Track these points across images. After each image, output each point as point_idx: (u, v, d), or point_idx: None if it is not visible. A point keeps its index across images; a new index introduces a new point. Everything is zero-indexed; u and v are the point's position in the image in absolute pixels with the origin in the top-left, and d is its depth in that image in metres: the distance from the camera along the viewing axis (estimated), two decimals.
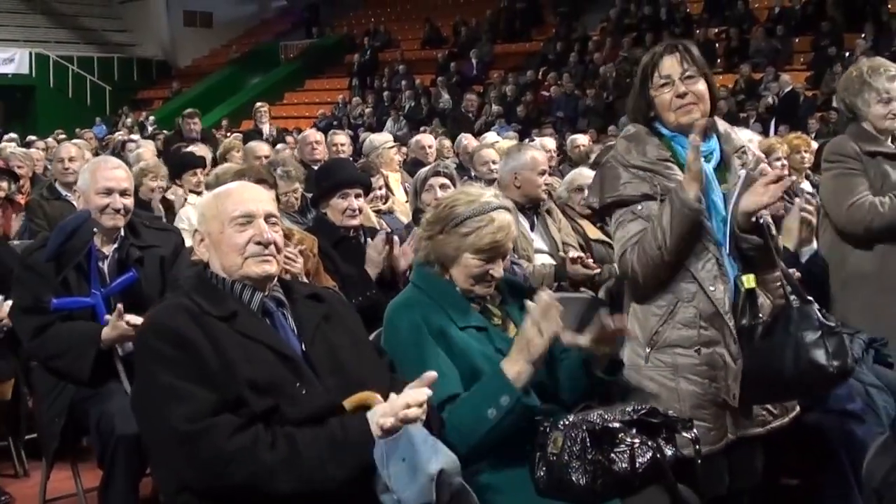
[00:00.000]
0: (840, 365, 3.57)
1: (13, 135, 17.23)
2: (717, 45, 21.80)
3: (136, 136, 16.84)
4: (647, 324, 3.84)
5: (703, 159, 3.80)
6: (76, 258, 4.49)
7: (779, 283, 3.78)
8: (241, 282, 3.18)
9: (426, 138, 11.24)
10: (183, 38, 36.13)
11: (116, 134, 20.02)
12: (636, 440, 3.20)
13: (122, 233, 4.69)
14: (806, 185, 8.18)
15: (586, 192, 6.27)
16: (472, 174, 8.33)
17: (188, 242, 4.50)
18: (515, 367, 3.28)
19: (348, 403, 3.02)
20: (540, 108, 22.99)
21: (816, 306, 3.68)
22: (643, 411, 3.30)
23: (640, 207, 3.77)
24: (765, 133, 15.40)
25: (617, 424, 3.22)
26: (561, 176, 7.67)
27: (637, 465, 3.16)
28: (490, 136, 11.74)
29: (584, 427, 3.21)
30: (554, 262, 5.51)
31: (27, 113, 30.44)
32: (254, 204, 3.23)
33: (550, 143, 10.50)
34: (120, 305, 4.31)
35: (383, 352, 3.48)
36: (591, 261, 5.40)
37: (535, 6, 28.65)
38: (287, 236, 4.09)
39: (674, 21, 23.95)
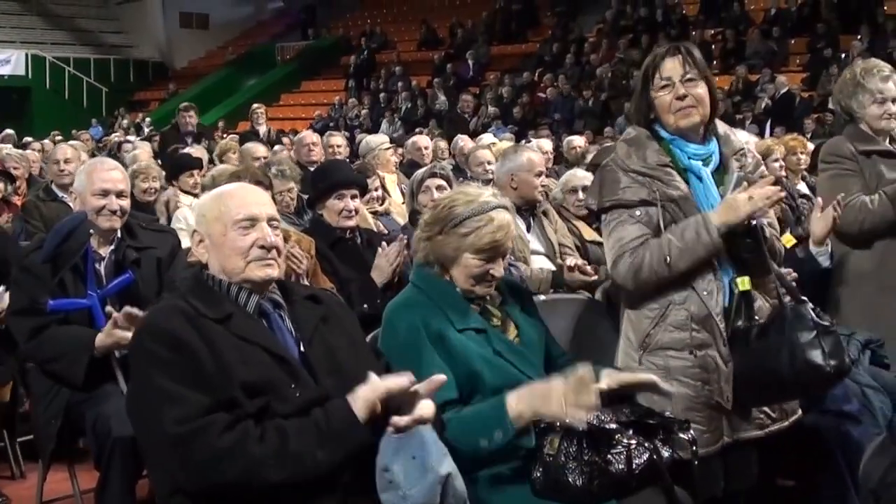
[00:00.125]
0: (837, 364, 3.58)
1: (9, 131, 17.24)
2: (713, 46, 21.82)
3: (132, 138, 16.83)
4: (639, 326, 3.85)
5: (701, 162, 3.81)
6: (73, 260, 4.48)
7: (772, 285, 3.78)
8: (238, 284, 3.17)
9: (422, 140, 11.23)
10: (179, 40, 36.11)
11: (113, 135, 20.02)
12: (633, 441, 3.20)
13: (119, 234, 4.69)
14: (802, 186, 8.19)
15: (581, 193, 6.30)
16: (468, 175, 8.33)
17: (185, 243, 4.49)
18: (520, 408, 3.22)
19: None
20: (536, 109, 23.00)
21: (811, 306, 3.69)
22: (640, 413, 3.30)
23: (638, 212, 3.78)
24: (760, 134, 15.43)
25: (614, 426, 3.22)
26: (557, 177, 7.68)
27: (634, 466, 3.16)
28: (486, 138, 11.73)
29: (581, 428, 3.21)
30: (552, 268, 5.50)
31: (23, 114, 30.39)
32: (257, 207, 3.22)
33: (547, 144, 10.51)
34: (115, 314, 4.30)
35: (380, 353, 3.48)
36: (589, 268, 5.39)
37: (531, 8, 28.66)
38: (284, 238, 4.09)
39: (670, 23, 23.97)
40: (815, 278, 4.76)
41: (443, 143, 12.08)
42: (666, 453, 3.25)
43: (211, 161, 9.81)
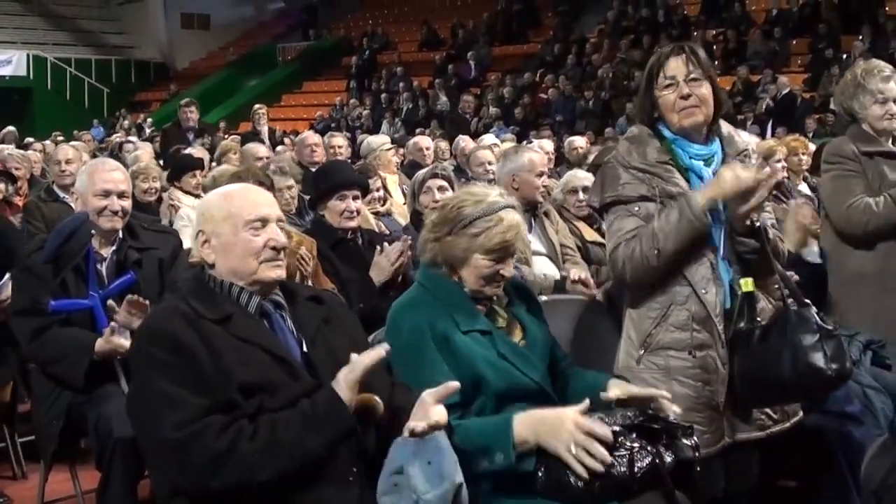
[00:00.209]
0: (838, 368, 3.57)
1: (11, 128, 17.23)
2: (714, 47, 21.82)
3: (133, 138, 16.83)
4: (640, 326, 3.85)
5: (703, 162, 3.81)
6: (74, 260, 4.49)
7: (776, 286, 3.78)
8: (243, 285, 3.17)
9: (423, 140, 11.23)
10: (180, 41, 36.13)
11: (114, 136, 20.02)
12: (636, 445, 3.18)
13: (121, 235, 4.69)
14: (803, 187, 8.19)
15: (581, 194, 6.31)
16: (469, 176, 8.33)
17: (187, 244, 4.49)
18: (526, 436, 3.18)
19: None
20: (538, 110, 23.02)
21: (814, 309, 3.69)
22: (644, 416, 3.29)
23: (636, 208, 3.78)
24: (762, 135, 15.43)
25: (617, 428, 3.20)
26: (559, 178, 7.67)
27: (636, 469, 3.15)
28: (488, 138, 11.73)
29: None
30: (555, 272, 5.50)
31: (25, 115, 30.37)
32: (267, 208, 3.22)
33: (548, 145, 10.50)
34: (114, 323, 4.31)
35: None
36: (592, 281, 5.36)
37: (532, 8, 28.67)
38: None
39: (671, 23, 23.99)
40: (813, 278, 4.76)
41: (444, 144, 12.08)
42: (669, 458, 3.25)
43: (213, 161, 9.80)
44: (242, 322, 3.09)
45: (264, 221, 3.18)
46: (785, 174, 7.73)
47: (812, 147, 8.67)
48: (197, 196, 7.58)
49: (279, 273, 3.19)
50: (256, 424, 2.90)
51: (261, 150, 9.45)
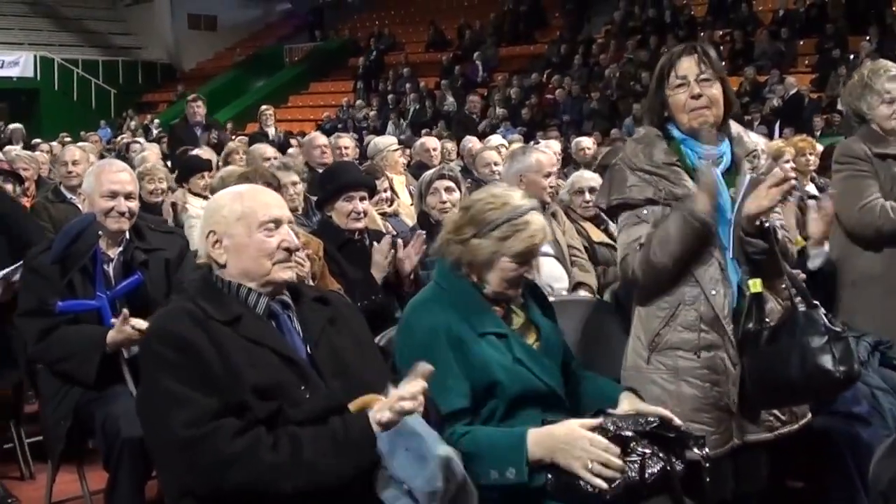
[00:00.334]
0: (846, 370, 3.56)
1: (18, 125, 17.26)
2: (721, 47, 21.77)
3: (140, 139, 16.86)
4: (649, 326, 3.84)
5: (712, 164, 3.80)
6: (81, 261, 4.49)
7: (784, 287, 3.78)
8: (248, 286, 3.17)
9: (430, 141, 11.21)
10: (187, 42, 36.17)
11: (121, 137, 20.05)
12: (647, 451, 3.19)
13: (128, 236, 4.69)
14: (811, 188, 8.17)
15: (588, 194, 6.30)
16: (476, 176, 8.33)
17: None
18: (540, 453, 3.18)
19: (353, 406, 3.02)
20: (545, 110, 23.00)
21: (823, 311, 3.68)
22: (656, 423, 3.29)
23: (644, 212, 3.78)
24: (769, 136, 15.41)
25: (629, 433, 3.21)
26: (566, 179, 7.66)
27: (647, 475, 3.15)
28: (495, 139, 11.73)
29: (597, 432, 3.20)
30: (564, 285, 5.49)
31: (32, 116, 30.43)
32: (278, 209, 3.23)
33: (555, 146, 10.50)
34: (125, 310, 4.31)
35: (388, 354, 3.48)
36: None
37: (539, 9, 28.67)
38: None
39: (678, 24, 23.97)
40: (821, 279, 4.76)
41: (451, 145, 12.08)
42: (679, 467, 3.25)
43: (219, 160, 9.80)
44: (251, 323, 3.10)
45: (277, 222, 3.19)
46: (794, 175, 7.71)
47: (820, 148, 8.65)
48: (205, 198, 7.58)
49: (291, 274, 3.20)
50: (276, 435, 2.89)
51: (268, 150, 9.43)
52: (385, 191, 7.46)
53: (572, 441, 3.16)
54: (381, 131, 21.72)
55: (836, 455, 4.16)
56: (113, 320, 4.36)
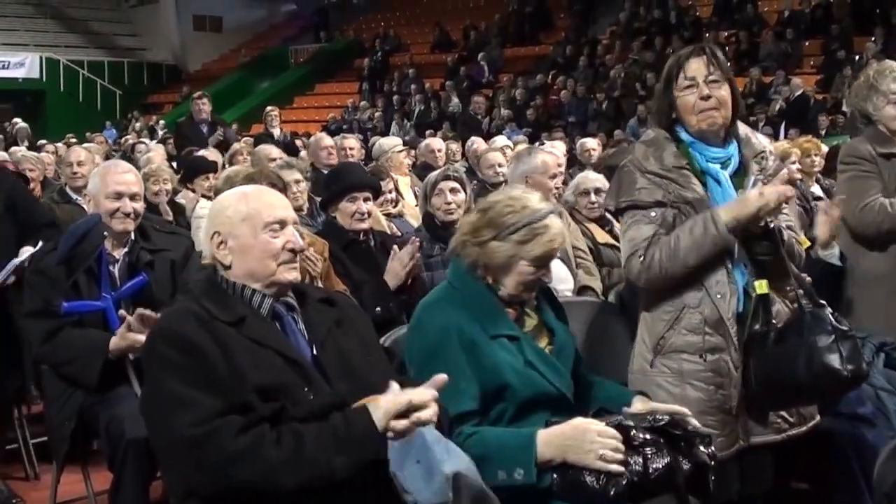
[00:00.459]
0: (854, 369, 3.56)
1: (23, 124, 17.27)
2: (726, 48, 21.72)
3: (146, 140, 16.88)
4: (654, 329, 3.84)
5: (720, 165, 3.80)
6: (87, 262, 4.50)
7: (790, 289, 3.77)
8: (253, 287, 3.16)
9: (435, 142, 11.21)
10: (193, 43, 36.18)
11: (126, 138, 20.08)
12: (653, 448, 3.20)
13: (133, 236, 4.70)
14: (816, 189, 8.18)
15: (593, 195, 6.29)
16: (480, 177, 8.33)
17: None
18: (549, 454, 3.18)
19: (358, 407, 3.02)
20: (550, 111, 22.99)
21: (829, 310, 3.68)
22: (664, 421, 3.29)
23: (653, 213, 3.77)
24: (775, 137, 15.40)
25: (636, 430, 3.22)
26: (571, 180, 7.66)
27: (650, 470, 3.15)
28: (500, 140, 11.72)
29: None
30: (569, 287, 5.50)
31: (38, 117, 30.42)
32: (283, 210, 3.23)
33: (561, 147, 10.48)
34: (129, 318, 4.31)
35: (394, 355, 3.48)
36: None
37: (544, 10, 28.67)
38: None
39: (683, 25, 23.97)
40: (827, 279, 4.74)
41: (455, 146, 12.07)
42: (686, 465, 3.25)
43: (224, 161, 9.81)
44: (255, 324, 3.09)
45: (282, 223, 3.19)
46: (799, 176, 7.71)
47: (825, 148, 8.65)
48: (209, 198, 7.58)
49: (296, 275, 3.20)
50: (280, 432, 2.88)
51: (273, 151, 9.42)
52: (390, 192, 7.47)
53: (580, 436, 3.18)
54: (386, 132, 21.73)
55: (840, 456, 4.16)
56: (122, 313, 4.36)
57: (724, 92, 3.77)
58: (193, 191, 8.21)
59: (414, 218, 7.38)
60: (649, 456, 3.18)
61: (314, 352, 3.16)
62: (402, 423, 2.86)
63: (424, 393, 2.92)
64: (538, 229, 3.41)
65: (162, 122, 27.31)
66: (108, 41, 35.99)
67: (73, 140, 17.26)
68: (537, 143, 11.35)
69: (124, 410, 4.21)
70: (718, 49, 3.93)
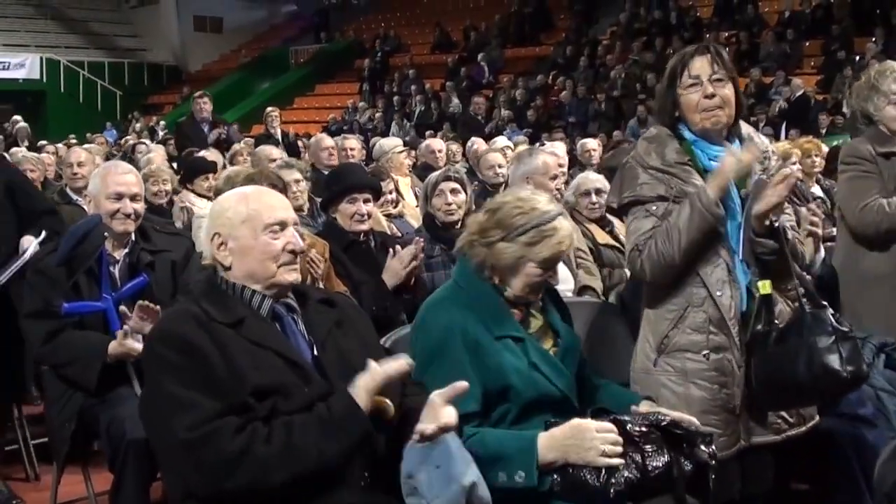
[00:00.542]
0: (854, 370, 3.56)
1: (23, 123, 17.26)
2: (726, 49, 21.68)
3: (146, 141, 16.87)
4: (657, 328, 3.84)
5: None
6: (87, 263, 4.50)
7: (792, 288, 3.77)
8: (253, 288, 3.16)
9: (436, 143, 11.20)
10: (193, 43, 36.18)
11: (127, 139, 20.07)
12: (653, 446, 3.20)
13: (133, 237, 4.70)
14: (816, 189, 8.18)
15: (594, 196, 6.28)
16: (480, 178, 8.33)
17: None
18: (551, 456, 3.19)
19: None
20: (550, 112, 22.98)
21: (830, 311, 3.68)
22: (665, 421, 3.29)
23: (654, 207, 3.77)
24: (775, 137, 15.39)
25: (636, 429, 3.22)
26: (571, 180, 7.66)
27: (649, 468, 3.15)
28: (500, 140, 11.71)
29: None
30: (570, 287, 5.50)
31: (38, 117, 30.40)
32: (284, 212, 3.22)
33: (561, 147, 10.47)
34: (126, 326, 4.32)
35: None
36: None
37: (545, 10, 28.66)
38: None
39: (684, 25, 23.96)
40: (828, 280, 4.76)
41: (455, 146, 12.07)
42: (687, 466, 3.25)
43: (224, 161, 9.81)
44: (255, 325, 3.09)
45: (283, 225, 3.19)
46: (800, 176, 7.71)
47: (825, 149, 8.66)
48: (210, 199, 7.58)
49: (296, 276, 3.20)
50: (271, 427, 2.89)
51: (274, 152, 9.42)
52: (390, 192, 7.46)
53: (580, 434, 3.18)
54: (386, 133, 21.71)
55: (840, 457, 4.16)
56: (121, 328, 4.36)
57: (729, 91, 3.77)
58: (194, 191, 8.19)
59: (414, 218, 7.38)
60: (649, 454, 3.18)
61: (314, 353, 3.16)
62: (430, 428, 2.87)
63: (398, 363, 2.99)
64: (547, 231, 3.41)
65: (162, 122, 27.28)
66: (109, 42, 35.99)
67: (74, 141, 17.26)
68: (537, 144, 11.35)
69: (125, 411, 4.21)
70: (723, 49, 3.93)
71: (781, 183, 3.61)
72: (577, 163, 11.12)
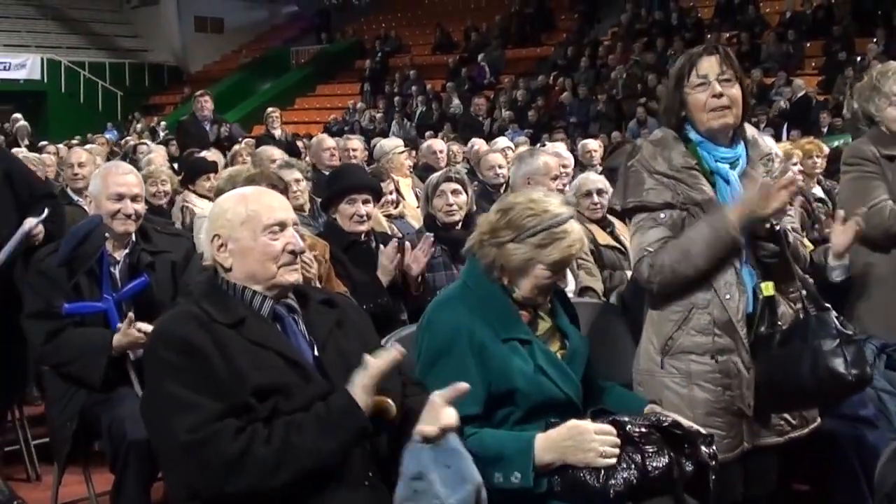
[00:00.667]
0: (859, 373, 3.56)
1: (24, 122, 17.25)
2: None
3: (147, 141, 16.87)
4: (662, 330, 3.82)
5: (728, 165, 3.79)
6: (88, 263, 4.50)
7: (794, 291, 3.77)
8: (254, 289, 3.16)
9: (437, 143, 11.19)
10: (194, 44, 36.16)
11: (127, 139, 20.07)
12: (653, 447, 3.20)
13: (134, 238, 4.71)
14: (817, 190, 8.17)
15: (595, 196, 6.27)
16: (481, 178, 8.32)
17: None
18: (548, 458, 3.20)
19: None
20: (551, 112, 22.98)
21: (834, 314, 3.67)
22: (666, 422, 3.29)
23: (662, 215, 3.75)
24: (777, 138, 15.38)
25: (637, 430, 3.22)
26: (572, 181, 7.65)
27: (650, 468, 3.16)
28: (501, 141, 11.71)
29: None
30: (570, 287, 5.50)
31: (39, 118, 30.37)
32: (283, 212, 3.22)
33: (562, 147, 10.47)
34: (131, 314, 4.32)
35: None
36: None
37: (546, 11, 28.66)
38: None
39: (685, 26, 23.97)
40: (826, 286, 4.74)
41: (456, 147, 12.06)
42: (689, 467, 3.25)
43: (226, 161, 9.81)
44: (255, 326, 3.09)
45: (282, 225, 3.18)
46: (801, 177, 7.70)
47: (826, 150, 8.64)
48: (211, 199, 7.57)
49: (297, 277, 3.20)
50: (271, 428, 2.90)
51: (275, 152, 9.41)
52: (391, 193, 7.46)
53: (577, 436, 3.19)
54: (386, 133, 21.71)
55: (842, 458, 4.16)
56: (120, 325, 4.37)
57: (736, 91, 3.75)
58: (195, 192, 8.19)
59: (415, 219, 7.37)
60: (650, 455, 3.18)
61: (315, 353, 3.16)
62: (433, 429, 2.89)
63: (389, 354, 2.99)
64: (558, 234, 3.40)
65: (163, 123, 27.24)
66: (110, 42, 35.97)
67: (75, 141, 17.26)
68: (538, 145, 11.35)
69: (126, 411, 4.22)
70: (730, 49, 3.92)
71: (784, 189, 3.60)
72: (577, 163, 11.13)
